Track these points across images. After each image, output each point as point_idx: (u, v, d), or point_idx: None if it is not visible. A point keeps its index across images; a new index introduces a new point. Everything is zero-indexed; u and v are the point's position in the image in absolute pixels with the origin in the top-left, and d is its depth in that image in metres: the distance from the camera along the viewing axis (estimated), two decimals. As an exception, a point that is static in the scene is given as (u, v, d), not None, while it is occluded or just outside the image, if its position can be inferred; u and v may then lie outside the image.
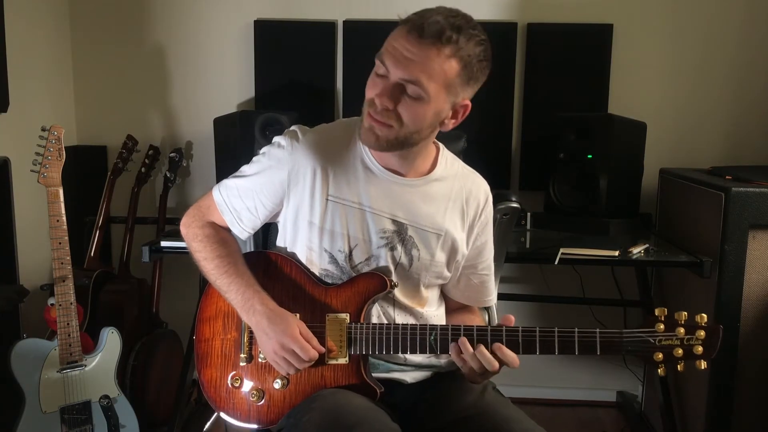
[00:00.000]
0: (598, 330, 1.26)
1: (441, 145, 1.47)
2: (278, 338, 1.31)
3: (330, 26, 2.71)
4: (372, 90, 1.28)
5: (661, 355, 1.24)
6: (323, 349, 1.33)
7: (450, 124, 1.35)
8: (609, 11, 2.68)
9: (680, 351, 1.23)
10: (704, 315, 1.24)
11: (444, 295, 1.55)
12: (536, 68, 2.70)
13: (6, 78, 2.28)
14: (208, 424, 2.33)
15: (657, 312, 1.25)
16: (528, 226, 2.54)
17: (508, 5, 2.69)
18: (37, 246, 2.42)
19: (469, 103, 1.34)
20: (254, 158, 1.44)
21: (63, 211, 2.00)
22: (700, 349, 1.22)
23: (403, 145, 1.31)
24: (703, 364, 1.23)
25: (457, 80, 1.26)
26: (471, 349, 1.27)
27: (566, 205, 2.49)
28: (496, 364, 1.28)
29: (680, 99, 2.74)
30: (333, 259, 1.39)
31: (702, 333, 1.23)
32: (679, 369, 1.25)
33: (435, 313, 1.49)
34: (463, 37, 1.23)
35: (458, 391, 1.40)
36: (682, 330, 1.23)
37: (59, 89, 2.74)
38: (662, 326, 1.24)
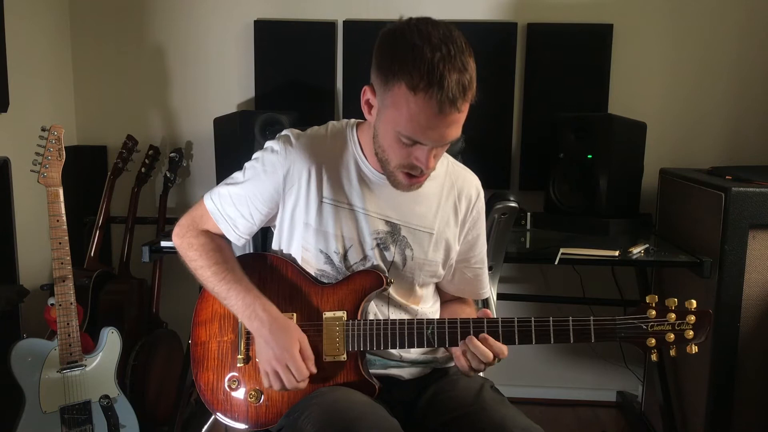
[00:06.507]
0: (591, 318, 1.29)
1: None
2: (277, 351, 1.31)
3: (330, 26, 2.71)
4: (403, 157, 1.28)
5: (653, 341, 1.27)
6: (315, 371, 1.33)
7: None
8: (609, 11, 2.68)
9: (672, 336, 1.26)
10: (693, 301, 1.27)
11: (438, 289, 1.56)
12: (536, 68, 2.70)
13: (6, 78, 2.28)
14: (207, 425, 2.33)
15: (648, 299, 1.28)
16: (528, 226, 2.54)
17: (508, 5, 2.69)
18: (37, 246, 2.42)
19: None
20: (246, 164, 1.44)
21: (63, 211, 2.01)
22: (691, 333, 1.26)
23: None
24: (695, 348, 1.26)
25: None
26: (480, 345, 1.29)
27: (566, 205, 2.49)
28: (491, 355, 1.29)
29: (680, 99, 2.74)
30: (329, 260, 1.40)
31: (692, 318, 1.26)
32: (672, 354, 1.27)
33: (430, 310, 1.50)
34: (470, 87, 1.22)
35: (456, 388, 1.41)
36: (673, 315, 1.27)
37: (59, 89, 2.74)
38: (654, 312, 1.27)
